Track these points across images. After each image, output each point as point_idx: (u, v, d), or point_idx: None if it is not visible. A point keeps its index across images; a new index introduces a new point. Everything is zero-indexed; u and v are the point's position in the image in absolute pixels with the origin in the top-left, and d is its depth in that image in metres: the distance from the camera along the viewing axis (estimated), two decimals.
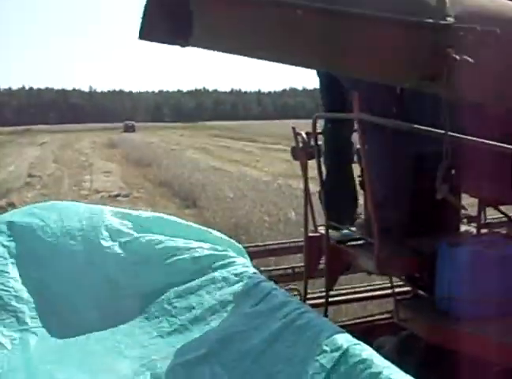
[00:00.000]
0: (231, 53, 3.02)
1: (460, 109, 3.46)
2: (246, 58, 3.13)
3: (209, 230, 4.28)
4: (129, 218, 4.11)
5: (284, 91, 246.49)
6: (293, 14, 2.72)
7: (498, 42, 3.12)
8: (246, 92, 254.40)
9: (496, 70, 3.28)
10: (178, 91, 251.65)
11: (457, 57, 3.03)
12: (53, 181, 26.03)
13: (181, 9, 2.55)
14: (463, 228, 4.66)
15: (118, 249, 3.87)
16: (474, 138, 3.30)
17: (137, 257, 3.84)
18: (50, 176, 28.09)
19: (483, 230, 4.66)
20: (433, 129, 3.47)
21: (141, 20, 2.70)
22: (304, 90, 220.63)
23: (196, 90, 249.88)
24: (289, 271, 6.30)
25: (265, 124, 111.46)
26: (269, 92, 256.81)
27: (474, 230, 4.59)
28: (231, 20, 2.70)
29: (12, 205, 17.64)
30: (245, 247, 6.22)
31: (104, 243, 3.89)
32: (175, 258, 3.85)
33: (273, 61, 3.16)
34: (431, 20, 3.06)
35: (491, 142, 3.26)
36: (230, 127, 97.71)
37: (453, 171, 3.45)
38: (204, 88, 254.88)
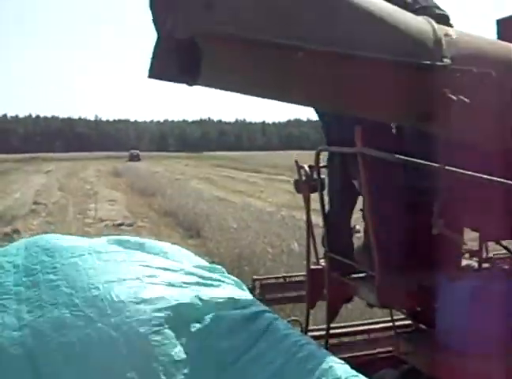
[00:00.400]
0: (235, 92, 3.08)
1: (458, 147, 3.51)
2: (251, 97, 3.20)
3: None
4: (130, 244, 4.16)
5: (289, 121, 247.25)
6: (294, 56, 2.78)
7: (493, 83, 3.18)
8: (250, 123, 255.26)
9: (492, 111, 3.34)
10: (183, 120, 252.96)
11: (454, 97, 3.10)
12: (58, 209, 26.11)
13: (189, 49, 2.61)
14: (464, 262, 4.68)
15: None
16: (471, 173, 3.34)
17: None
18: (55, 204, 28.17)
19: (485, 265, 4.68)
20: (431, 163, 3.52)
21: (150, 60, 2.78)
22: (309, 121, 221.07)
23: (201, 120, 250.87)
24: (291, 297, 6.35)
25: (269, 154, 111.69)
26: (274, 123, 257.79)
27: (475, 265, 4.61)
28: (236, 61, 2.76)
29: (17, 232, 17.75)
30: (254, 280, 6.29)
31: None
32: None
33: (276, 100, 3.22)
34: (428, 62, 3.14)
35: (487, 177, 3.30)
36: (234, 157, 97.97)
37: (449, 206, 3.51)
38: (209, 118, 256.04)
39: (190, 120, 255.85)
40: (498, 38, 4.59)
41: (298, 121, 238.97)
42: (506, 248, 4.81)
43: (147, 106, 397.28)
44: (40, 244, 4.16)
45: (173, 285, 4.05)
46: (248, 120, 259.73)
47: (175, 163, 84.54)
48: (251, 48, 2.71)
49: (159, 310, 3.47)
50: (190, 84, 2.82)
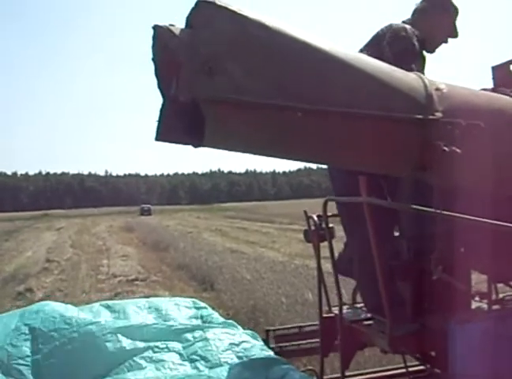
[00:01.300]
0: (239, 152, 3.21)
1: (457, 195, 3.63)
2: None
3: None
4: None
5: (299, 170, 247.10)
6: (294, 116, 2.90)
7: (483, 133, 3.31)
8: (261, 173, 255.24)
9: (483, 159, 3.47)
10: (194, 173, 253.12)
11: (446, 148, 3.23)
12: (70, 266, 26.01)
13: (193, 112, 2.74)
14: (474, 305, 4.74)
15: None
16: (468, 217, 3.43)
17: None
18: (67, 261, 28.07)
19: (495, 307, 4.74)
20: (430, 210, 3.61)
21: (156, 123, 2.91)
22: (319, 169, 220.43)
23: (211, 171, 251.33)
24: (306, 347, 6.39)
25: (280, 204, 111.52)
26: (284, 172, 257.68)
27: (485, 307, 4.67)
28: (238, 123, 2.88)
29: (30, 291, 17.71)
30: (267, 331, 6.34)
31: None
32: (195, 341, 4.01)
33: (278, 158, 3.35)
34: (420, 116, 3.28)
35: (487, 220, 3.38)
36: (245, 208, 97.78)
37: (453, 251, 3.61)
38: (219, 170, 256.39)
39: (199, 172, 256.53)
40: (494, 83, 4.78)
41: (308, 170, 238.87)
42: None
43: (157, 159, 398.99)
44: (57, 309, 4.27)
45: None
46: (258, 170, 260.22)
47: (187, 215, 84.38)
48: (252, 111, 2.83)
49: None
50: (196, 146, 2.94)
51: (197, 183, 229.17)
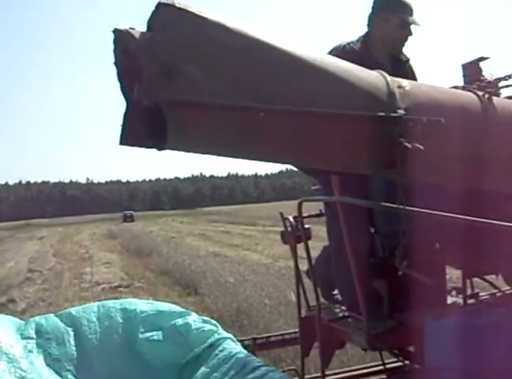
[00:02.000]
0: (203, 154, 3.20)
1: (423, 191, 3.65)
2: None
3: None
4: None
5: (281, 172, 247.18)
6: (256, 117, 2.90)
7: (445, 130, 3.33)
8: (243, 176, 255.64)
9: (445, 155, 3.49)
10: (176, 178, 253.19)
11: (409, 145, 3.23)
12: (53, 275, 25.92)
13: (156, 115, 2.74)
14: (450, 300, 4.77)
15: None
16: (436, 212, 3.43)
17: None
18: (50, 270, 27.95)
19: (470, 301, 4.76)
20: (394, 206, 3.62)
21: (120, 128, 2.90)
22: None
23: (193, 176, 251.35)
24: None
25: (263, 207, 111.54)
26: (266, 175, 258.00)
27: (461, 302, 4.69)
28: (200, 125, 2.87)
29: (12, 302, 17.64)
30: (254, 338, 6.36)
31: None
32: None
33: (244, 159, 3.35)
34: (382, 114, 3.28)
35: (453, 215, 3.38)
36: (228, 212, 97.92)
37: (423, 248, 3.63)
38: (201, 174, 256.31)
39: (182, 177, 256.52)
40: (464, 81, 4.82)
41: (290, 172, 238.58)
42: (490, 283, 4.90)
43: (138, 165, 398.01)
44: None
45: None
46: (240, 173, 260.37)
47: (170, 220, 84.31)
48: (213, 113, 2.82)
49: None
50: (159, 149, 2.93)
51: (179, 188, 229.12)
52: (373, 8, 4.87)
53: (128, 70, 2.80)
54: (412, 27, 4.79)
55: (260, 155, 3.32)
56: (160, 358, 4.00)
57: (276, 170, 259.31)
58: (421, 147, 3.20)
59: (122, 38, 2.75)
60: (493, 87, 3.99)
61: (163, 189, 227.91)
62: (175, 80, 2.70)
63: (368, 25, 4.91)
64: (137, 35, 2.74)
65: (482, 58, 4.99)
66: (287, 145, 3.18)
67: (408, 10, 4.76)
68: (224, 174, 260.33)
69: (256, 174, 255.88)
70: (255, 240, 35.78)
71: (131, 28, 2.76)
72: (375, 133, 3.27)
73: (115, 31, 2.76)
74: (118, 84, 2.92)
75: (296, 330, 6.46)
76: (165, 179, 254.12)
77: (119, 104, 2.94)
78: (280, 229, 5.56)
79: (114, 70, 2.92)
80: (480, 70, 4.91)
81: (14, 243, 53.46)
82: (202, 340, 3.99)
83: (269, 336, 6.90)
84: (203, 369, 3.87)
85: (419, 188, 3.64)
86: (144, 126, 2.83)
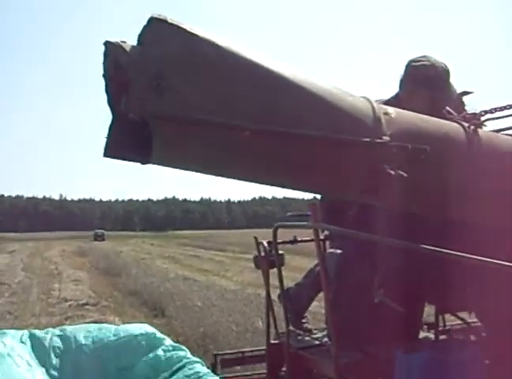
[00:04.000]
0: (187, 170, 3.20)
1: (408, 220, 3.65)
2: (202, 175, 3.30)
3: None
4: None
5: (254, 199, 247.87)
6: (241, 135, 2.90)
7: (429, 158, 3.33)
8: (215, 201, 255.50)
9: (429, 183, 3.50)
10: (148, 199, 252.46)
11: (392, 172, 3.22)
12: (21, 289, 25.75)
13: (141, 129, 2.73)
14: (422, 335, 4.77)
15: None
16: (413, 245, 3.43)
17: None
18: (18, 284, 27.79)
19: (442, 337, 4.76)
20: (382, 237, 3.63)
21: (105, 140, 2.89)
22: (274, 198, 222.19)
23: (166, 199, 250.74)
24: (254, 376, 6.39)
25: (234, 233, 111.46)
26: (239, 201, 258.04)
27: (433, 337, 4.69)
28: (186, 141, 2.86)
29: None
30: (215, 355, 6.31)
31: None
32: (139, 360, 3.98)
33: (227, 178, 3.34)
34: (368, 139, 3.25)
35: (430, 247, 3.39)
36: (199, 236, 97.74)
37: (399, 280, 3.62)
38: (174, 197, 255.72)
39: (154, 199, 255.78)
40: None
41: (263, 200, 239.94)
42: (461, 319, 4.90)
43: (112, 185, 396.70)
44: None
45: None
46: (213, 198, 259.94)
47: (141, 242, 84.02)
48: (200, 129, 2.81)
49: None
50: (143, 163, 2.92)
51: (151, 210, 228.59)
52: (405, 74, 4.63)
53: (116, 83, 2.79)
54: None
55: (243, 175, 3.31)
56: None
57: (248, 197, 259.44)
58: (404, 174, 3.20)
59: (112, 50, 2.74)
60: (478, 119, 3.98)
61: (136, 210, 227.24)
62: (163, 95, 2.70)
63: (400, 88, 4.69)
64: (127, 49, 2.74)
65: (465, 92, 4.99)
66: (269, 166, 3.18)
67: (443, 84, 4.57)
68: (197, 199, 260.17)
69: (229, 200, 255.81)
70: (225, 266, 35.78)
71: (122, 41, 2.76)
72: (359, 158, 3.27)
73: (106, 43, 2.75)
74: (101, 98, 2.91)
75: (256, 348, 6.46)
76: (138, 200, 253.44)
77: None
78: (251, 256, 5.55)
79: (100, 82, 2.91)
80: (463, 104, 4.91)
81: None
82: (171, 365, 3.97)
83: (230, 353, 6.89)
84: None
85: (400, 216, 3.65)
86: (129, 139, 2.82)
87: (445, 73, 4.54)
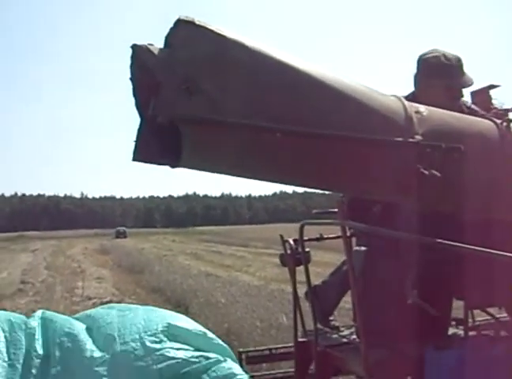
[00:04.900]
0: (217, 173, 3.19)
1: (441, 219, 3.63)
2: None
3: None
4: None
5: (275, 194, 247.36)
6: (273, 137, 2.89)
7: (463, 157, 3.30)
8: (236, 197, 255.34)
9: (463, 183, 3.46)
10: (169, 196, 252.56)
11: (426, 172, 3.20)
12: (45, 287, 25.86)
13: (171, 132, 2.73)
14: (451, 331, 4.73)
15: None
16: (452, 243, 3.42)
17: None
18: (42, 283, 27.91)
19: (471, 333, 4.72)
20: (410, 235, 3.61)
21: (134, 144, 2.89)
22: (295, 193, 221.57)
23: (187, 195, 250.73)
24: (279, 375, 6.33)
25: (256, 228, 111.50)
26: (260, 196, 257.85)
27: (462, 333, 4.65)
28: (216, 144, 2.86)
29: None
30: (240, 353, 6.29)
31: None
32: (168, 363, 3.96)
33: (258, 180, 3.32)
34: (400, 139, 3.25)
35: (468, 246, 3.37)
36: (221, 232, 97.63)
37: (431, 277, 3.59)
38: (194, 193, 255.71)
39: (175, 195, 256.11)
40: None
41: (284, 194, 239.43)
42: (491, 315, 4.86)
43: (132, 182, 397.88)
44: None
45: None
46: (234, 194, 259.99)
47: (162, 238, 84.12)
48: (229, 132, 2.81)
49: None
50: (173, 167, 2.91)
51: (172, 206, 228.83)
52: (417, 69, 4.65)
53: (144, 86, 2.80)
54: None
55: (274, 177, 3.30)
56: None
57: (269, 192, 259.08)
58: (438, 174, 3.18)
59: (140, 53, 2.74)
60: (506, 115, 3.94)
61: (157, 207, 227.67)
62: (192, 98, 2.70)
63: (414, 86, 4.70)
64: (155, 52, 2.74)
65: (492, 86, 4.93)
66: (302, 168, 3.17)
67: (456, 71, 4.55)
68: (218, 194, 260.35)
69: (250, 196, 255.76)
70: (247, 261, 35.73)
71: (149, 44, 2.76)
72: (392, 158, 3.25)
73: (134, 46, 2.76)
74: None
75: (285, 345, 6.43)
76: (158, 197, 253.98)
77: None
78: (273, 251, 5.54)
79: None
80: (490, 98, 4.85)
81: (7, 254, 53.29)
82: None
83: (253, 350, 6.85)
84: None
85: (433, 216, 3.62)
86: (158, 143, 2.82)
87: (456, 60, 4.55)
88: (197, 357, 4.01)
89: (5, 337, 3.90)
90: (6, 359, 3.67)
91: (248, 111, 2.84)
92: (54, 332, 3.72)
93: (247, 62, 2.88)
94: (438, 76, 4.50)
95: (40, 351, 3.60)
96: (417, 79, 4.66)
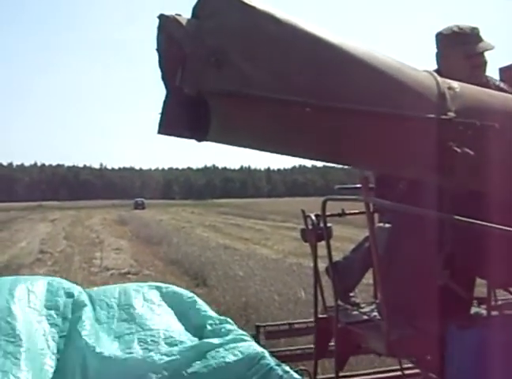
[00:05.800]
0: (244, 147, 3.13)
1: (466, 198, 3.57)
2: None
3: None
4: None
5: (294, 168, 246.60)
6: (302, 112, 2.84)
7: (498, 135, 3.24)
8: (255, 169, 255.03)
9: (495, 162, 3.39)
10: (188, 168, 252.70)
11: (458, 150, 3.14)
12: (64, 257, 26.03)
13: (198, 105, 2.68)
14: (473, 310, 4.69)
15: None
16: (477, 221, 3.37)
17: None
18: (60, 252, 28.11)
19: (494, 313, 4.68)
20: (438, 213, 3.56)
21: (159, 116, 2.84)
22: (314, 167, 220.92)
23: (205, 167, 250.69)
24: (298, 351, 6.32)
25: (274, 201, 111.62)
26: (279, 170, 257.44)
27: (484, 313, 4.61)
28: (245, 117, 2.82)
29: None
30: (257, 326, 6.28)
31: None
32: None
33: (285, 155, 3.26)
34: (432, 115, 3.19)
35: (494, 225, 3.32)
36: (239, 205, 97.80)
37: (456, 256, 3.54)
38: (213, 166, 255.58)
39: (194, 167, 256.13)
40: None
41: (303, 168, 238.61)
42: None
43: (152, 154, 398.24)
44: None
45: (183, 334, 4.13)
46: (253, 167, 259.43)
47: (181, 210, 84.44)
48: (259, 105, 2.76)
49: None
50: (199, 140, 2.87)
51: (191, 178, 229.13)
52: (436, 45, 4.64)
53: (171, 57, 2.75)
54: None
55: (303, 152, 3.25)
56: None
57: (288, 165, 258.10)
58: (471, 152, 3.12)
59: (167, 24, 2.70)
60: None
61: (175, 179, 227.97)
62: (220, 70, 2.65)
63: (437, 62, 4.64)
64: (183, 22, 2.68)
65: None
66: (332, 144, 3.11)
67: (473, 38, 4.53)
68: (237, 167, 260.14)
69: (268, 169, 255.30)
70: (265, 234, 35.78)
71: (177, 15, 2.71)
72: (424, 135, 3.19)
73: (161, 16, 2.71)
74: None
75: (304, 320, 6.41)
76: (177, 169, 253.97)
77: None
78: (291, 225, 5.52)
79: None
80: None
81: (27, 224, 53.73)
82: None
83: (271, 325, 6.85)
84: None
85: (465, 195, 3.57)
86: (184, 116, 2.77)
87: (471, 28, 4.53)
88: None
89: None
90: None
91: (277, 85, 2.79)
92: None
93: (277, 34, 2.83)
94: (454, 44, 4.49)
95: None
96: (439, 54, 4.63)
